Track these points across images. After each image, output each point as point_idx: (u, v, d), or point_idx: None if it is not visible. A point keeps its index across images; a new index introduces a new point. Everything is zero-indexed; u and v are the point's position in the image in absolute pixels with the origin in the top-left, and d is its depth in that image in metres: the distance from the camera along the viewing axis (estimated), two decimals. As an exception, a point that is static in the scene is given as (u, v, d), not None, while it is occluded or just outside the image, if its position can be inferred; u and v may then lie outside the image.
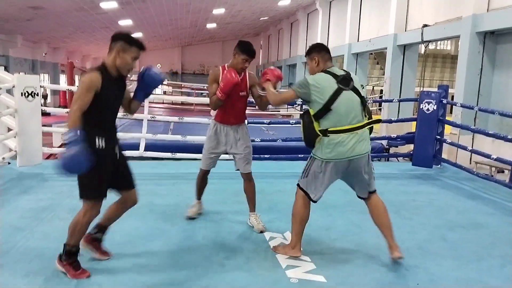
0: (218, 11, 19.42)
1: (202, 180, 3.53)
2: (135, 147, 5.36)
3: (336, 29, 17.45)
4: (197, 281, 2.47)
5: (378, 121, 2.93)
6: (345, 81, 2.64)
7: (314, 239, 3.18)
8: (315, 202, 2.79)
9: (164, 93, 23.00)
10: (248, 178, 3.38)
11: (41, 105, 5.17)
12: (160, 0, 15.74)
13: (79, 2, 13.82)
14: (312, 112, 2.65)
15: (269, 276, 2.56)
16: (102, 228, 2.64)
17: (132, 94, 2.64)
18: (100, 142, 2.35)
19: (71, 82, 6.69)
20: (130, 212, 3.09)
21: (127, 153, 5.23)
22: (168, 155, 5.44)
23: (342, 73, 2.68)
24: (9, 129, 5.05)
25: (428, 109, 5.70)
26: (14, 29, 17.31)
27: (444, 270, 2.76)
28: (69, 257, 2.42)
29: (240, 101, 3.29)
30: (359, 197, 2.89)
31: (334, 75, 2.65)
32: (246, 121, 3.48)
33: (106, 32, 21.08)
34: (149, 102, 5.84)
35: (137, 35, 23.31)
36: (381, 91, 15.92)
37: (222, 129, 3.32)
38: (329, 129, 2.60)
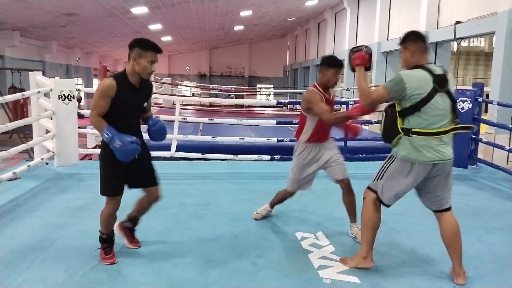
0: (245, 13, 19.52)
1: (285, 196, 3.42)
2: (167, 147, 5.47)
3: (365, 27, 17.19)
4: (228, 280, 2.49)
5: (467, 127, 2.61)
6: (441, 82, 2.38)
7: (347, 240, 3.15)
8: (388, 206, 2.58)
9: (193, 95, 23.30)
10: (347, 187, 3.18)
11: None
12: (188, 4, 15.98)
13: (110, 8, 14.21)
14: (398, 108, 2.42)
15: (302, 276, 2.55)
16: (132, 219, 2.85)
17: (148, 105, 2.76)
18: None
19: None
20: (162, 212, 3.16)
21: (160, 153, 5.37)
22: (199, 155, 5.52)
23: (439, 71, 2.41)
24: (47, 131, 5.25)
25: (463, 108, 5.54)
26: (49, 35, 18.00)
27: (482, 273, 2.68)
28: (102, 242, 2.66)
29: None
30: (430, 208, 2.64)
31: (431, 73, 2.38)
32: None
33: (137, 36, 21.51)
34: (180, 104, 5.93)
35: (166, 38, 23.81)
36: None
37: (313, 150, 3.18)
38: (414, 129, 2.39)
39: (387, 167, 2.52)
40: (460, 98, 5.56)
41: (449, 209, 2.57)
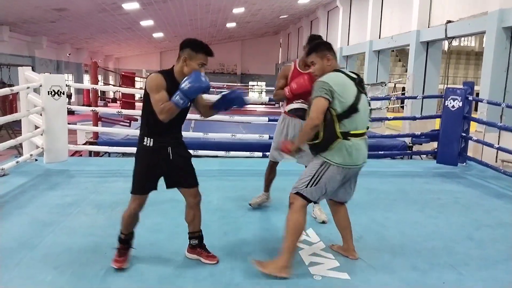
0: (238, 10, 19.46)
1: (270, 172, 3.62)
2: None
3: (357, 26, 17.25)
4: (219, 277, 2.47)
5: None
6: (360, 84, 2.51)
7: (337, 237, 3.15)
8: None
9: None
10: None
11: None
12: (180, 1, 15.89)
13: (101, 3, 14.07)
14: (334, 112, 2.40)
15: (293, 272, 2.55)
16: (191, 234, 2.71)
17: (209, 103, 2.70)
18: (147, 141, 2.45)
19: (95, 81, 6.81)
20: (152, 208, 3.13)
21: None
22: (190, 152, 5.47)
23: (354, 76, 2.53)
24: (36, 127, 5.19)
25: (453, 106, 5.58)
26: (39, 31, 17.78)
27: (471, 269, 2.70)
28: (119, 242, 2.58)
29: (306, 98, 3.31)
30: (331, 200, 2.76)
31: (350, 77, 2.49)
32: None
33: (128, 32, 21.43)
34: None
35: (158, 35, 23.66)
36: (403, 88, 15.67)
37: (291, 122, 3.41)
38: (351, 132, 2.43)
39: (321, 175, 2.47)
40: (450, 97, 5.60)
41: (346, 201, 2.77)
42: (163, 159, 2.50)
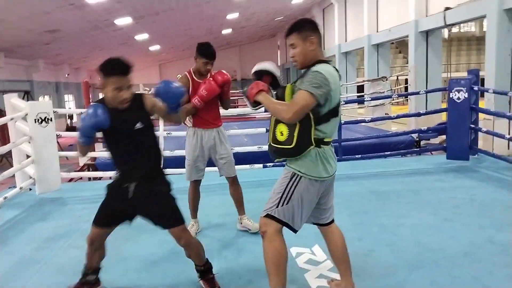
0: (232, 15, 19.30)
1: (194, 195, 3.34)
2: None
3: (353, 21, 16.99)
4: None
5: None
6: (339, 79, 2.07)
7: (350, 253, 2.88)
8: (295, 232, 2.10)
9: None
10: (234, 182, 3.31)
11: (67, 123, 5.08)
12: (173, 11, 15.75)
13: (93, 21, 13.98)
14: (316, 113, 1.95)
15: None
16: (198, 270, 2.47)
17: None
18: (114, 176, 2.31)
19: (88, 102, 6.62)
20: (148, 235, 2.89)
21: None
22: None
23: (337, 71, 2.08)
24: (28, 156, 5.00)
25: (458, 98, 5.30)
26: (35, 54, 17.73)
27: (497, 279, 2.43)
28: (82, 276, 2.41)
29: (215, 103, 3.22)
30: (315, 223, 2.26)
31: (336, 70, 2.05)
32: (222, 124, 3.32)
33: (124, 48, 21.36)
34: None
35: (154, 48, 23.57)
36: (406, 80, 15.34)
37: (204, 134, 3.21)
38: (324, 139, 2.00)
39: (293, 189, 2.00)
40: (455, 88, 5.32)
41: (333, 220, 2.26)
42: (119, 197, 2.24)
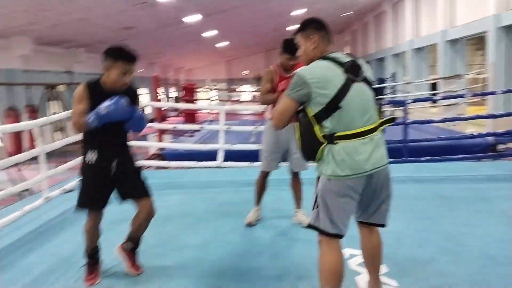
0: (299, 12, 19.17)
1: (262, 184, 3.46)
2: (213, 157, 5.36)
3: (427, 16, 16.09)
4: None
5: (392, 120, 2.09)
6: (354, 70, 1.94)
7: (406, 259, 2.74)
8: (342, 237, 1.99)
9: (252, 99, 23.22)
10: (297, 176, 3.40)
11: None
12: (239, 9, 16.01)
13: (164, 18, 14.64)
14: (311, 112, 1.93)
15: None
16: (132, 239, 2.62)
17: None
18: (90, 157, 2.39)
19: (156, 96, 6.96)
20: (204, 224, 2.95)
21: (207, 163, 5.27)
22: (246, 164, 5.31)
23: (348, 58, 1.98)
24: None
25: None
26: (113, 50, 18.97)
27: None
28: (86, 258, 2.57)
29: None
30: (360, 222, 2.13)
31: (337, 62, 1.95)
32: None
33: (193, 44, 22.15)
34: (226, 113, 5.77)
35: (222, 44, 24.15)
36: (484, 79, 14.26)
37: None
38: (337, 134, 1.90)
39: (316, 192, 1.98)
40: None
41: (382, 225, 2.10)
42: (104, 173, 2.42)
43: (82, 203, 2.48)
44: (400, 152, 5.24)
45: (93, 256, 2.57)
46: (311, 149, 1.95)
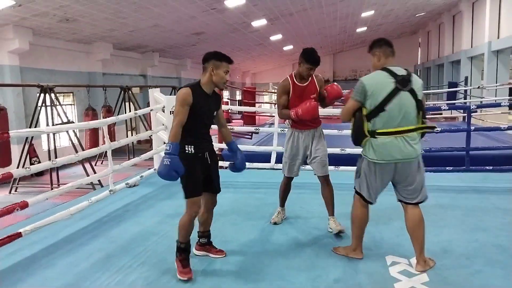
0: (367, 13, 18.72)
1: (286, 188, 3.61)
2: (267, 159, 5.49)
3: (509, 15, 14.88)
4: None
5: (431, 127, 2.69)
6: (403, 82, 2.51)
7: (449, 270, 2.65)
8: (371, 203, 2.74)
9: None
10: (326, 182, 3.38)
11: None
12: (307, 12, 16.03)
13: (233, 23, 15.10)
14: (365, 111, 2.56)
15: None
16: (203, 234, 2.98)
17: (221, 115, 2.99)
18: (189, 149, 2.65)
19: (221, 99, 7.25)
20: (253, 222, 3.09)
21: (260, 165, 5.41)
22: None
23: (403, 72, 2.55)
24: (164, 143, 5.73)
25: None
26: (183, 54, 19.95)
27: None
28: (179, 253, 2.71)
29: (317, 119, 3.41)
30: (399, 200, 2.73)
31: (392, 74, 2.53)
32: (321, 124, 3.49)
33: (260, 48, 22.53)
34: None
35: (287, 48, 24.27)
36: None
37: (301, 135, 3.39)
38: (377, 131, 2.54)
39: (360, 166, 2.70)
40: None
41: (417, 204, 2.66)
42: (202, 163, 2.72)
43: (190, 193, 2.68)
44: (461, 160, 4.97)
45: (186, 250, 2.72)
46: (357, 140, 2.64)
